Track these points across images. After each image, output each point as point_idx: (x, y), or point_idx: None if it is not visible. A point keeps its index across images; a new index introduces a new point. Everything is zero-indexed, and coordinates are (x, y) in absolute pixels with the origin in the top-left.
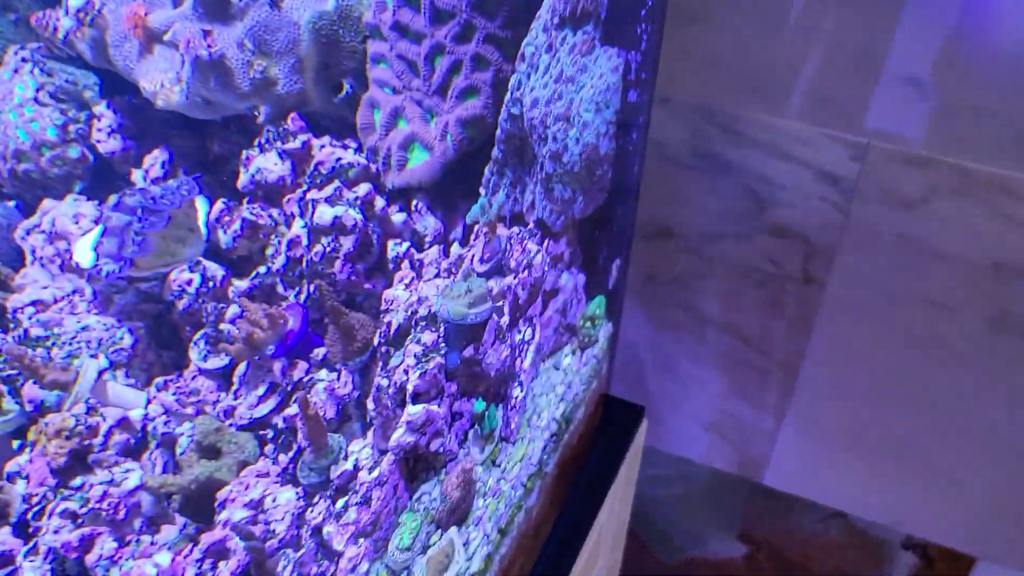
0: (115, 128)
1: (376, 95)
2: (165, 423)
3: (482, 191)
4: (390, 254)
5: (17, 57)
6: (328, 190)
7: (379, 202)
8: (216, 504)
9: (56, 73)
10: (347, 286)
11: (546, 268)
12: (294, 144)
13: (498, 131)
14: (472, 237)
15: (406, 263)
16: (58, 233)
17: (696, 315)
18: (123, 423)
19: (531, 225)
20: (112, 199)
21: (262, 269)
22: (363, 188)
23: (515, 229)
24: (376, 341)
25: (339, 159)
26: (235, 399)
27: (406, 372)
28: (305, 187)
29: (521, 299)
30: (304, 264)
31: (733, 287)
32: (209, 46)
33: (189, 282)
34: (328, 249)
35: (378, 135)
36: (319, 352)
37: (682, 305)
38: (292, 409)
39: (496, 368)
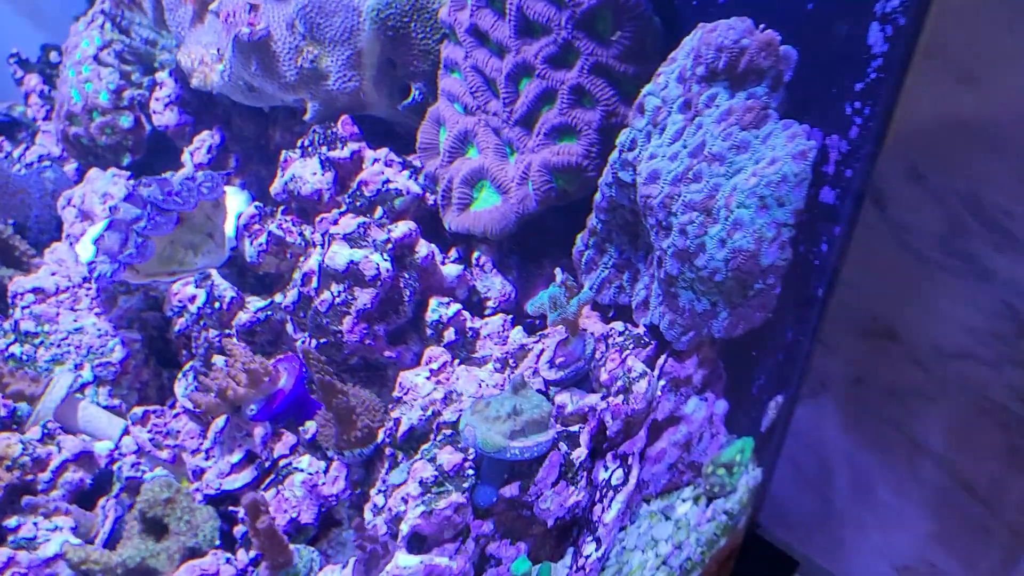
0: (173, 100)
1: (444, 110)
2: (133, 465)
3: (559, 274)
4: (430, 316)
5: (96, 7)
6: (350, 224)
7: (422, 248)
8: None
9: (134, 31)
10: (360, 350)
11: (657, 392)
12: (341, 152)
13: (598, 195)
14: (548, 328)
15: (450, 331)
16: (85, 212)
17: (911, 440)
18: (81, 458)
19: (641, 329)
20: (126, 187)
21: (277, 298)
22: (400, 229)
23: (614, 328)
24: (381, 437)
25: (387, 181)
26: (206, 459)
27: (405, 500)
28: (343, 208)
29: (611, 429)
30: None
31: (965, 420)
32: (251, 23)
33: (192, 299)
34: (337, 301)
35: (441, 160)
36: (311, 427)
37: (894, 423)
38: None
39: (558, 516)
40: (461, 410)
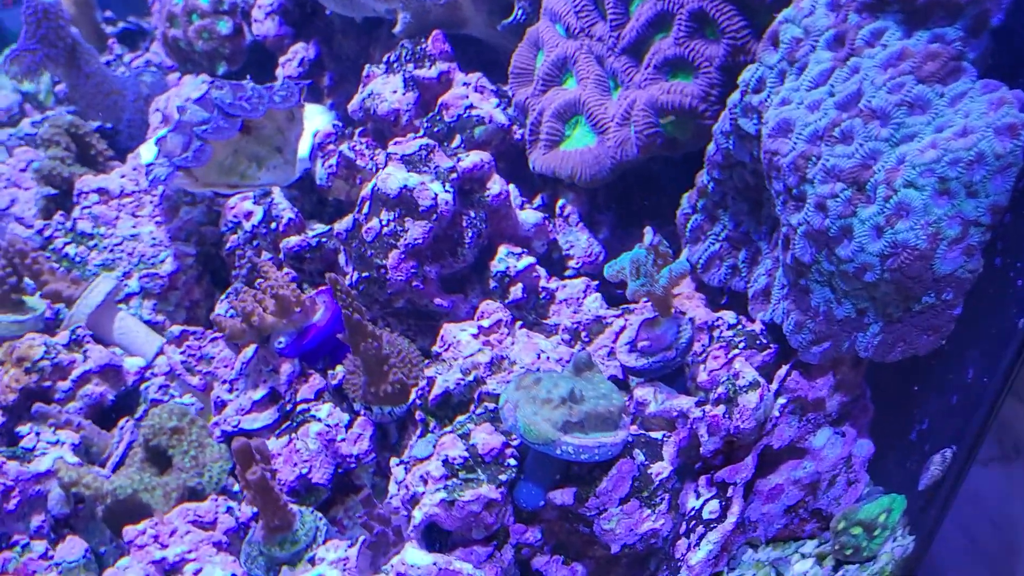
0: (275, 8)
1: (544, 32)
2: (162, 387)
3: (649, 233)
4: (496, 266)
5: None
6: (412, 145)
7: (495, 185)
8: (123, 540)
9: None
10: (405, 292)
11: (773, 411)
12: (428, 71)
13: (711, 146)
14: (630, 302)
15: (517, 287)
16: (167, 116)
17: None
18: (106, 371)
19: (757, 325)
20: (201, 89)
21: (336, 225)
22: (471, 158)
23: (723, 318)
24: (412, 397)
25: (470, 107)
26: (230, 391)
27: (424, 480)
28: (420, 133)
29: (706, 446)
30: (359, 239)
31: None
32: None
33: (248, 215)
34: (385, 230)
35: (534, 88)
36: (339, 371)
37: None
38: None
39: (626, 543)
40: (509, 381)
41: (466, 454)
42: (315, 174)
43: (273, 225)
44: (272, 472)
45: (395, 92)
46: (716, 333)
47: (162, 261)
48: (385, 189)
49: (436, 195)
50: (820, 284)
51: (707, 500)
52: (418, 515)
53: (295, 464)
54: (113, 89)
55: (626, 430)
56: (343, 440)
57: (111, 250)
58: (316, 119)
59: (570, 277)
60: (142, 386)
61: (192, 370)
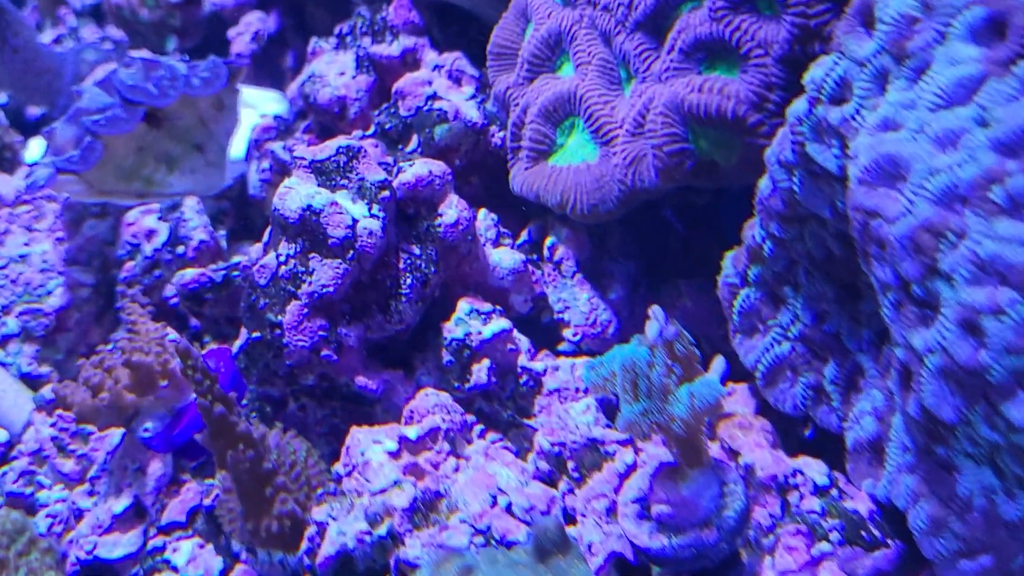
0: None
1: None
2: (23, 474)
3: (658, 317)
4: (451, 331)
5: None
6: (328, 148)
7: (450, 210)
8: None
9: None
10: (315, 365)
11: None
12: (388, 48)
13: (765, 181)
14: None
15: (482, 366)
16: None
17: None
18: None
19: (864, 504)
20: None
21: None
22: (414, 170)
23: (803, 472)
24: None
25: (433, 97)
26: (90, 494)
27: None
28: (372, 129)
29: None
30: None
31: None
32: None
33: (149, 235)
34: (281, 271)
35: (517, 74)
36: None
37: None
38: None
39: None
40: (441, 545)
41: None
42: (249, 180)
43: (181, 249)
44: None
45: (342, 75)
46: (792, 499)
47: (50, 293)
48: (283, 211)
49: (355, 222)
50: (973, 460)
51: None
52: None
53: None
54: (47, 67)
55: None
56: None
57: None
58: (267, 107)
59: (566, 354)
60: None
61: (65, 450)
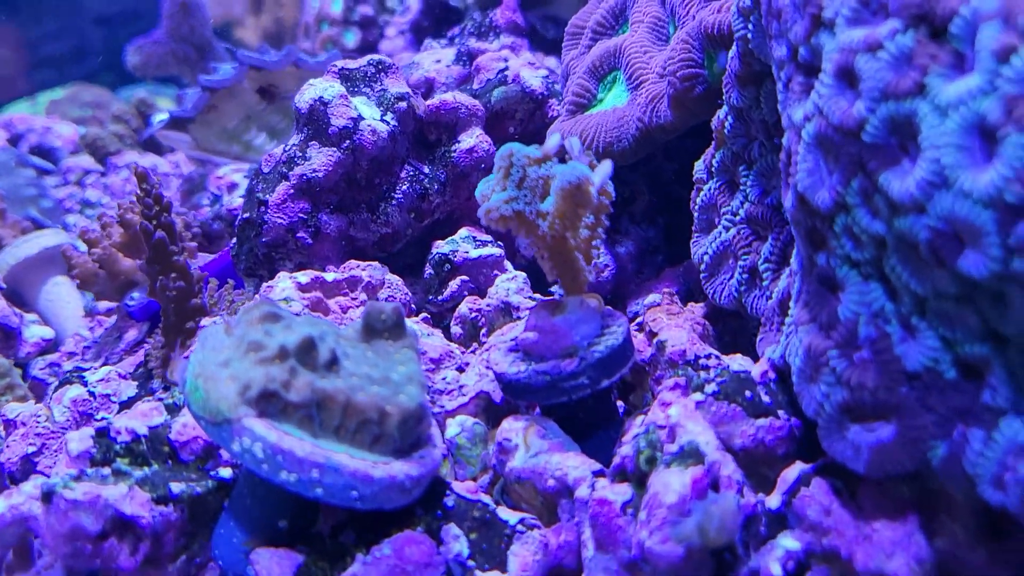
0: (408, 27)
1: None
2: (51, 365)
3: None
4: (439, 247)
5: None
6: (362, 60)
7: (469, 139)
8: None
9: None
10: (288, 245)
11: (773, 564)
12: (488, 44)
13: (731, 51)
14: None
15: (457, 281)
16: None
17: None
18: None
19: (758, 367)
20: None
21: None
22: (441, 96)
23: (716, 355)
24: None
25: (504, 71)
26: (84, 361)
27: None
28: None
29: (591, 571)
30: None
31: None
32: None
33: (231, 187)
34: (282, 156)
35: (582, 45)
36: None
37: None
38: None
39: None
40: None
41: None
42: None
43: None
44: None
45: (438, 62)
46: (682, 366)
47: None
48: (298, 103)
49: (359, 117)
50: (858, 272)
51: None
52: None
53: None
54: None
55: (427, 465)
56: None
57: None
58: None
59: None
60: (37, 359)
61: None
